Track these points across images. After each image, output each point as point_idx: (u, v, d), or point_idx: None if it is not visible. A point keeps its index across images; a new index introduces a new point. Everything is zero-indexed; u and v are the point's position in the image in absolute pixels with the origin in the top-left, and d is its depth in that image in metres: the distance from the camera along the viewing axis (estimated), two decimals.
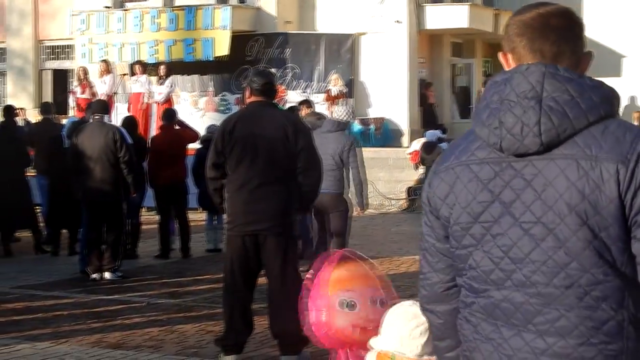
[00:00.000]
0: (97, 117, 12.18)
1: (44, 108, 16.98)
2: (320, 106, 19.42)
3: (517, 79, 2.04)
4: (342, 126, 11.29)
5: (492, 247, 2.09)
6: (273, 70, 18.88)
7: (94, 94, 21.25)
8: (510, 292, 2.08)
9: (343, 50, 22.77)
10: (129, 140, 12.06)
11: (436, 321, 2.40)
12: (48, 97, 24.86)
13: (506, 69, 2.21)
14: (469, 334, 2.21)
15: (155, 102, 21.18)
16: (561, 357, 2.02)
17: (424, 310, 2.45)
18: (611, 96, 2.06)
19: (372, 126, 22.13)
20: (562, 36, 2.09)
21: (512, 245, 2.04)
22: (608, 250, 1.94)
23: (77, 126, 12.98)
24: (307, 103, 15.41)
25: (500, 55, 2.24)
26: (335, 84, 21.50)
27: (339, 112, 14.86)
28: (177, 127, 14.58)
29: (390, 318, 3.59)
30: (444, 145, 18.31)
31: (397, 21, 22.25)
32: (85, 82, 22.53)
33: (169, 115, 14.91)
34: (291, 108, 15.39)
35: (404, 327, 3.48)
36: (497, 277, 2.09)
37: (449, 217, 2.18)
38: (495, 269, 2.09)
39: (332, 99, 20.75)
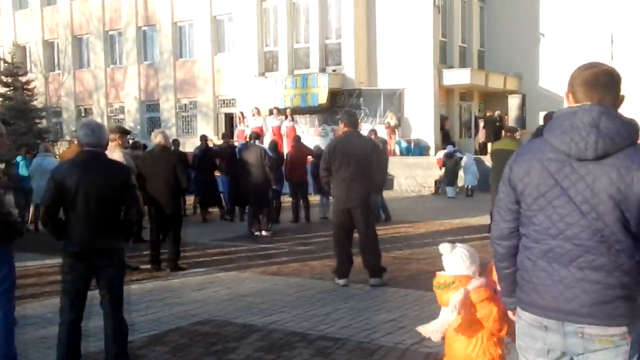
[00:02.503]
0: (253, 141, 14.08)
1: (223, 136, 18.79)
2: (382, 132, 21.17)
3: (583, 113, 2.61)
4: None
5: (552, 213, 2.67)
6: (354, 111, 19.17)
7: (248, 127, 23.08)
8: (562, 242, 2.66)
9: (394, 98, 24.97)
10: (271, 154, 13.85)
11: (500, 251, 2.94)
12: (222, 129, 27.52)
13: (567, 104, 2.78)
14: (529, 267, 2.77)
15: (288, 130, 23.17)
16: (593, 282, 2.60)
17: (493, 243, 2.99)
18: (637, 129, 2.65)
19: (412, 144, 24.32)
20: (606, 88, 2.67)
21: (567, 214, 2.63)
22: (628, 223, 2.56)
23: (242, 147, 15.04)
24: (374, 131, 16.12)
25: (565, 94, 2.78)
26: (391, 119, 24.17)
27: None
28: (301, 146, 16.18)
29: (446, 259, 4.03)
30: (458, 154, 20.71)
31: (427, 80, 24.99)
32: (243, 120, 25.22)
33: (297, 139, 16.67)
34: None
35: (452, 258, 3.95)
36: (554, 232, 2.67)
37: (523, 190, 2.75)
38: (552, 227, 2.67)
39: (390, 128, 23.38)
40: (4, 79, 29.65)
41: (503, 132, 14.16)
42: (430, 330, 3.98)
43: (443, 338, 4.05)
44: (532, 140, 3.00)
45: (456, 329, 3.95)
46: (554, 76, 24.78)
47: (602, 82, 2.64)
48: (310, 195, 16.03)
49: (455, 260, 3.94)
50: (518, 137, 13.16)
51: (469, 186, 20.51)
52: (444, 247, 3.96)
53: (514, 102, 24.71)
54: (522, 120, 23.23)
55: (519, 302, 2.83)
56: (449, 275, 3.95)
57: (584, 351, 2.62)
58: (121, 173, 5.43)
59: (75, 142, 8.74)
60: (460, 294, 3.81)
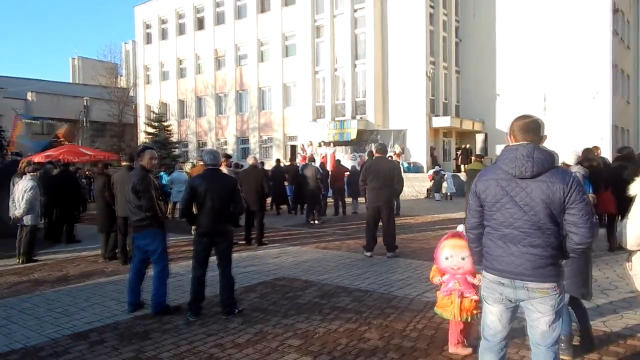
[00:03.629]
0: (310, 162, 14.47)
1: (290, 159, 18.53)
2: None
3: (522, 148, 2.68)
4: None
5: (505, 212, 2.73)
6: (383, 143, 21.96)
7: (307, 153, 21.59)
8: (512, 230, 2.71)
9: (400, 135, 25.24)
10: (321, 171, 14.19)
11: (471, 237, 2.97)
12: (289, 155, 25.34)
13: (510, 143, 2.79)
14: (491, 245, 2.82)
15: (331, 155, 23.03)
16: (533, 255, 2.67)
17: (467, 232, 3.02)
18: (555, 157, 2.75)
19: (411, 164, 24.35)
20: (534, 132, 2.72)
21: (515, 213, 2.69)
22: (555, 216, 2.64)
23: (303, 166, 14.59)
24: (397, 154, 19.06)
25: (507, 136, 2.82)
26: (397, 148, 24.14)
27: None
28: (340, 166, 16.17)
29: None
30: (442, 172, 20.58)
31: (421, 123, 25.06)
32: (303, 149, 25.28)
33: (337, 162, 16.84)
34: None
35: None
36: (507, 224, 2.72)
37: (485, 198, 2.79)
38: (505, 221, 2.73)
39: (396, 154, 23.17)
40: (153, 123, 30.33)
41: (473, 157, 13.91)
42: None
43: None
44: (492, 165, 2.98)
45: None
46: (506, 121, 24.20)
47: (532, 128, 2.74)
48: (346, 197, 15.79)
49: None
50: (483, 161, 12.92)
51: (449, 193, 20.38)
52: (460, 227, 4.10)
53: (479, 137, 24.71)
54: (485, 150, 23.10)
55: (484, 267, 2.90)
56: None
57: (528, 298, 2.73)
58: (232, 182, 5.54)
59: (201, 163, 8.87)
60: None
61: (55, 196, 10.44)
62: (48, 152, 20.17)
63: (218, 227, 5.22)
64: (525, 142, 2.69)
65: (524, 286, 2.68)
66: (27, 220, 8.47)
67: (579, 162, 6.39)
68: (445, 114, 26.82)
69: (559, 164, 3.07)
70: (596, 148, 10.31)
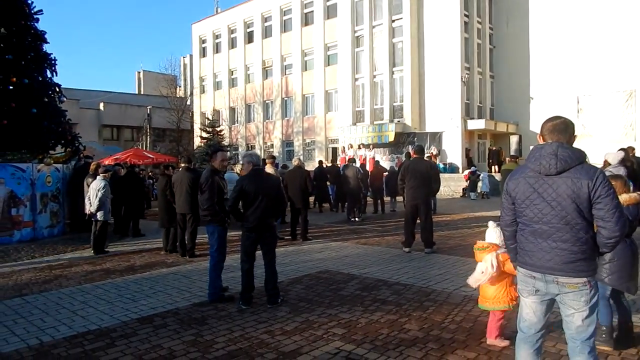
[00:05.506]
0: (351, 163, 14.16)
1: (332, 161, 18.59)
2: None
3: (547, 147, 2.64)
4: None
5: (533, 208, 2.67)
6: (421, 145, 21.12)
7: (346, 155, 21.11)
8: (541, 225, 2.64)
9: (436, 137, 24.61)
10: (362, 171, 13.91)
11: (506, 233, 2.91)
12: (330, 157, 25.31)
13: (540, 142, 2.73)
14: (523, 240, 2.75)
15: (371, 158, 22.80)
16: (562, 250, 2.58)
17: (502, 229, 2.97)
18: (582, 154, 2.63)
19: (447, 165, 23.63)
20: (561, 132, 2.67)
21: (543, 208, 2.63)
22: (582, 211, 2.54)
23: (344, 167, 14.22)
24: (433, 155, 18.38)
25: (538, 136, 2.75)
26: (434, 151, 23.15)
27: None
28: (379, 167, 16.22)
29: (488, 231, 3.94)
30: (477, 172, 19.89)
31: (457, 126, 24.23)
32: (344, 151, 25.02)
33: (376, 163, 17.36)
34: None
35: (492, 232, 3.88)
36: (536, 219, 2.66)
37: (515, 196, 2.75)
38: (534, 216, 2.66)
39: (433, 156, 21.32)
40: (207, 129, 30.97)
41: (508, 158, 13.53)
42: (472, 279, 3.94)
43: (479, 285, 4.01)
44: (522, 165, 2.86)
45: (489, 280, 3.87)
46: (539, 123, 23.57)
47: (559, 128, 2.68)
48: (384, 196, 15.57)
49: (492, 233, 3.91)
50: (517, 162, 12.62)
51: (485, 192, 19.77)
52: (490, 223, 3.98)
53: (514, 139, 24.01)
54: (519, 151, 22.36)
55: (518, 262, 2.82)
56: (486, 242, 3.93)
57: (559, 292, 2.64)
58: (277, 181, 5.56)
59: (240, 165, 9.01)
60: (493, 255, 3.79)
61: (122, 195, 10.83)
62: (116, 155, 21.01)
63: (264, 223, 5.25)
64: (551, 141, 2.65)
65: (554, 280, 2.60)
66: (99, 216, 8.81)
67: (620, 162, 6.08)
68: (480, 117, 26.17)
69: (599, 163, 2.93)
70: (631, 149, 9.92)
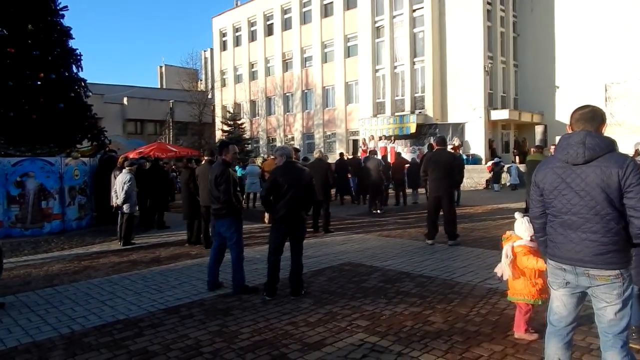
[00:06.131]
0: (372, 155, 13.96)
1: (353, 153, 20.35)
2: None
3: (575, 135, 2.59)
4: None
5: (562, 199, 2.61)
6: (443, 136, 20.74)
7: (367, 147, 21.46)
8: (570, 216, 2.59)
9: (458, 129, 24.18)
10: (383, 163, 14.09)
11: (536, 226, 2.86)
12: (351, 149, 27.71)
13: (568, 131, 2.68)
14: (552, 232, 2.70)
15: (391, 148, 22.81)
16: (592, 241, 2.52)
17: (531, 221, 2.95)
18: (612, 142, 2.55)
19: (470, 157, 23.18)
20: (589, 121, 2.61)
21: (572, 199, 2.57)
22: (613, 201, 2.47)
23: (365, 159, 14.43)
24: (456, 147, 18.24)
25: (567, 127, 2.70)
26: (457, 142, 22.75)
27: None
28: (400, 159, 15.79)
29: (516, 223, 3.83)
30: (501, 163, 19.59)
31: (480, 117, 23.85)
32: (365, 143, 24.99)
33: (398, 154, 16.43)
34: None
35: (519, 224, 3.79)
36: (565, 210, 2.61)
37: (543, 187, 2.70)
38: (563, 207, 2.61)
39: (455, 147, 20.90)
40: (228, 122, 31.27)
41: (532, 149, 13.24)
42: (499, 270, 3.94)
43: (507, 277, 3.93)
44: (550, 156, 2.86)
45: (515, 272, 3.85)
46: (566, 112, 23.37)
47: (587, 117, 2.62)
48: (406, 188, 15.46)
49: (518, 224, 3.84)
50: (542, 152, 12.36)
51: (513, 184, 19.17)
52: (517, 214, 3.89)
53: (539, 129, 23.52)
54: (544, 141, 21.93)
55: (548, 254, 2.77)
56: (511, 233, 3.91)
57: (590, 285, 2.57)
58: (308, 174, 5.56)
59: (272, 157, 9.02)
60: (507, 247, 3.80)
61: (147, 187, 11.01)
62: (140, 149, 21.34)
63: (295, 215, 5.26)
64: (578, 130, 2.58)
65: (584, 272, 2.53)
66: (126, 208, 8.98)
67: None
68: (503, 107, 25.67)
69: (628, 152, 2.84)
70: None
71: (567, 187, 2.56)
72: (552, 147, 17.38)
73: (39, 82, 11.17)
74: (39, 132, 11.00)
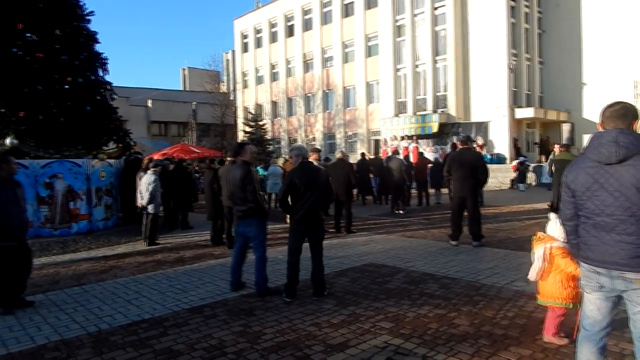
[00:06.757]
0: (394, 155, 13.69)
1: (376, 151, 19.80)
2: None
3: (607, 134, 2.49)
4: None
5: (594, 200, 2.51)
6: (468, 135, 19.81)
7: (389, 147, 20.66)
8: (604, 218, 2.49)
9: (482, 127, 23.82)
10: (405, 163, 13.84)
11: (567, 228, 2.76)
12: (372, 149, 27.09)
13: (599, 130, 2.60)
14: (585, 235, 2.60)
15: (414, 148, 22.20)
16: (627, 243, 2.42)
17: (562, 224, 2.82)
18: None
19: (494, 156, 22.86)
20: (621, 118, 2.52)
21: (605, 200, 2.47)
22: None
23: (387, 159, 13.93)
24: (480, 146, 17.81)
25: (597, 125, 2.63)
26: (480, 141, 22.35)
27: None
28: (423, 158, 15.57)
29: (550, 224, 3.72)
30: (526, 162, 19.06)
31: (504, 115, 23.42)
32: (385, 143, 25.18)
33: (420, 154, 16.54)
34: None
35: (552, 225, 3.66)
36: (598, 212, 2.51)
37: (575, 188, 2.60)
38: (596, 208, 2.51)
39: (479, 146, 21.60)
40: (250, 123, 31.51)
41: (559, 147, 12.90)
42: (531, 273, 3.80)
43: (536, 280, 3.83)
44: (581, 155, 2.68)
45: (550, 275, 3.74)
46: (594, 110, 23.15)
47: (619, 114, 2.52)
48: (429, 188, 15.24)
49: (552, 225, 3.73)
50: (569, 151, 12.13)
51: (546, 183, 18.45)
52: (551, 215, 3.78)
53: (566, 127, 23.06)
54: (571, 140, 21.44)
55: (580, 257, 2.67)
56: (543, 234, 3.76)
57: (626, 289, 2.47)
58: (325, 174, 5.52)
59: (287, 157, 8.99)
60: (542, 248, 3.67)
61: (171, 188, 11.16)
62: (164, 150, 21.64)
63: (314, 215, 5.24)
64: (610, 128, 2.49)
65: (620, 276, 2.43)
66: (150, 209, 9.12)
67: None
68: (528, 105, 25.20)
69: None
70: None
71: (600, 187, 2.47)
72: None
73: (66, 86, 11.42)
74: (66, 135, 11.24)
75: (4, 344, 4.23)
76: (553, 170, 11.85)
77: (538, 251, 3.65)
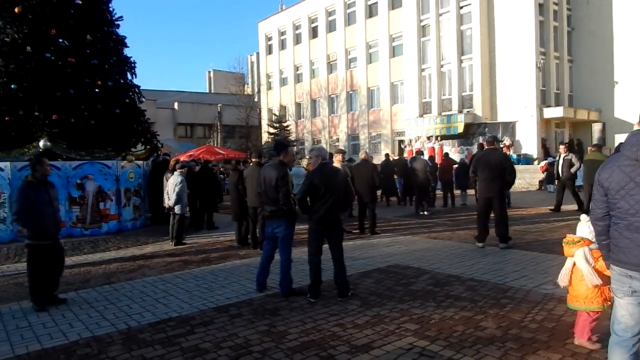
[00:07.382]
0: (419, 156, 13.68)
1: (400, 152, 19.77)
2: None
3: None
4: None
5: (629, 199, 2.43)
6: (495, 135, 19.50)
7: (413, 148, 20.77)
8: (638, 218, 2.40)
9: (509, 127, 23.33)
10: (430, 164, 13.74)
11: (598, 229, 2.67)
12: (397, 150, 26.72)
13: (637, 128, 2.70)
14: (617, 236, 2.51)
15: (439, 148, 22.16)
16: None
17: (593, 223, 2.72)
18: None
19: (521, 157, 22.46)
20: None
21: None
22: None
23: (412, 160, 13.67)
24: (507, 146, 17.47)
25: (637, 123, 2.90)
26: (507, 141, 21.90)
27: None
28: (448, 159, 15.55)
29: (581, 225, 3.62)
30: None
31: (532, 115, 22.94)
32: (410, 144, 24.82)
33: (445, 155, 16.21)
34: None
35: (584, 226, 3.54)
36: (632, 211, 2.42)
37: (608, 187, 2.52)
38: (630, 208, 2.43)
39: (506, 147, 20.55)
40: (274, 124, 31.74)
41: (589, 148, 12.56)
42: (561, 278, 3.67)
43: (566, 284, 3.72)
44: (613, 154, 2.69)
45: (576, 277, 3.61)
46: (626, 109, 22.64)
47: None
48: (454, 189, 15.07)
49: (584, 227, 3.59)
50: (600, 151, 11.88)
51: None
52: (583, 216, 3.65)
53: (596, 127, 22.44)
54: (603, 140, 20.84)
55: (611, 260, 2.58)
56: (577, 236, 3.60)
57: None
58: (343, 175, 5.52)
59: (307, 158, 8.96)
60: (587, 251, 3.47)
61: (197, 189, 11.33)
62: (190, 152, 22.00)
63: (332, 216, 5.24)
64: None
65: None
66: (177, 209, 9.28)
67: None
68: (557, 104, 24.66)
69: None
70: None
71: (636, 186, 2.39)
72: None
73: (97, 90, 11.74)
74: (97, 137, 11.56)
75: (38, 340, 4.37)
76: (572, 172, 11.76)
77: (580, 254, 3.49)
